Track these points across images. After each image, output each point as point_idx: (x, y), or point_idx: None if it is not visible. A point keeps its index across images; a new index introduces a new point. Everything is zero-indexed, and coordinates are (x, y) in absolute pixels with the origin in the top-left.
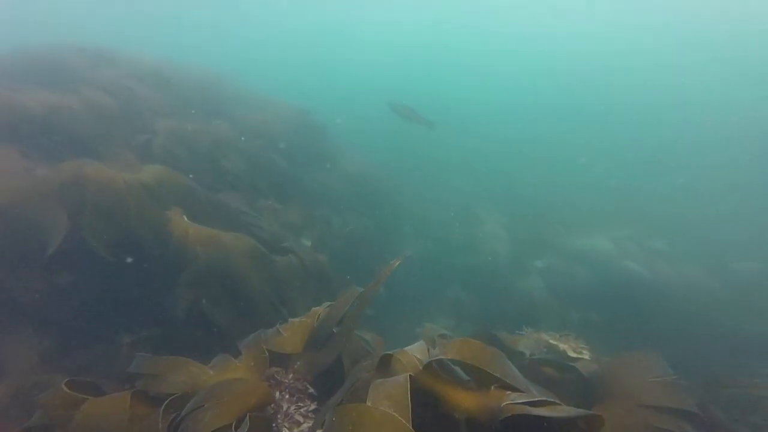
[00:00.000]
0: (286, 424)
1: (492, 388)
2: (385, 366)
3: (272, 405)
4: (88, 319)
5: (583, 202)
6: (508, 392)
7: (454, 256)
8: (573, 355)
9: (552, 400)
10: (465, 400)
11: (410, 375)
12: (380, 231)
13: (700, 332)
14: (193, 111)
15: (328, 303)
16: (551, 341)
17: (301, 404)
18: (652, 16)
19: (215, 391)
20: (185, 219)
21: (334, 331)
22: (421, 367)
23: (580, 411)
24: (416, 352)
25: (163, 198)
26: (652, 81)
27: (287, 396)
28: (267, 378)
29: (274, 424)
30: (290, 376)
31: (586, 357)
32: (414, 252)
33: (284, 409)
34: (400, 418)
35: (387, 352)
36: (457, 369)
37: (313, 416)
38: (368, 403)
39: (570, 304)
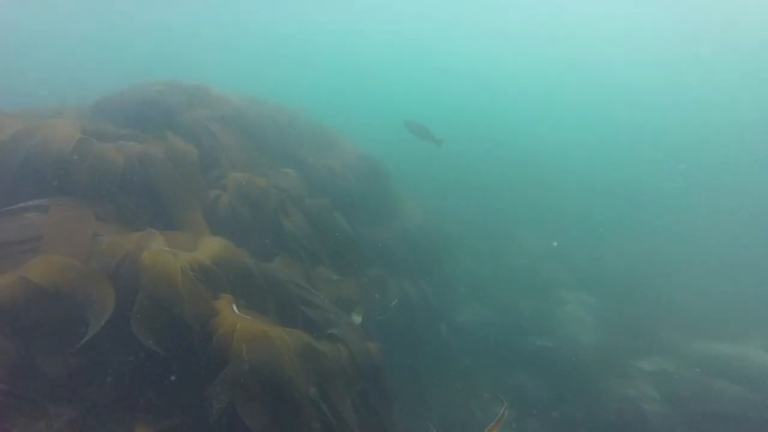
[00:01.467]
0: None
1: None
2: None
3: None
4: (115, 399)
5: (716, 286)
6: None
7: (520, 334)
8: None
9: None
10: None
11: None
12: (437, 297)
13: None
14: (265, 158)
15: None
16: None
17: None
18: None
19: None
20: (234, 309)
21: None
22: None
23: None
24: None
25: (217, 281)
26: None
27: None
28: None
29: None
30: None
31: None
32: (470, 319)
33: None
34: None
35: None
36: None
37: None
38: None
39: None
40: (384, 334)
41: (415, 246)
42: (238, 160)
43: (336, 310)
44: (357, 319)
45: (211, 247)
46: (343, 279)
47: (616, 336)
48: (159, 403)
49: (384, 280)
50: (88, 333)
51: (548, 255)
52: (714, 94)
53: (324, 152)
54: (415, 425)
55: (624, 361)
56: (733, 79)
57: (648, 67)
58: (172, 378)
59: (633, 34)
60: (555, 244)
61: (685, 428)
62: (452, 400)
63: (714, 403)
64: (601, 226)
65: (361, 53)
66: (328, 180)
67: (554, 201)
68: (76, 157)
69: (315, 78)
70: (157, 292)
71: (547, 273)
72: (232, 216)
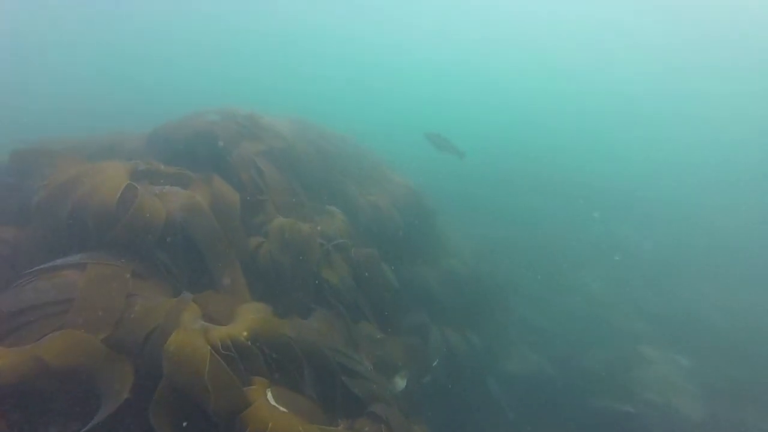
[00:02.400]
0: None
1: None
2: None
3: None
4: None
5: None
6: None
7: (585, 393)
8: None
9: None
10: None
11: None
12: (485, 345)
13: None
14: (311, 194)
15: None
16: None
17: None
18: None
19: None
20: (269, 399)
21: None
22: None
23: None
24: None
25: (252, 359)
26: None
27: None
28: None
29: None
30: None
31: None
32: (520, 369)
33: None
34: None
35: None
36: None
37: None
38: None
39: None
40: (427, 393)
41: (461, 289)
42: (283, 201)
43: (378, 378)
44: (400, 384)
45: (248, 318)
46: (386, 338)
47: (724, 406)
48: None
49: (427, 329)
50: (98, 414)
51: (618, 301)
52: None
53: (371, 184)
54: None
55: None
56: None
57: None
58: None
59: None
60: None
61: None
62: None
63: None
64: (689, 271)
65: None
66: (373, 220)
67: (622, 238)
68: (118, 210)
69: (355, 98)
70: (181, 382)
71: (618, 322)
72: (272, 267)
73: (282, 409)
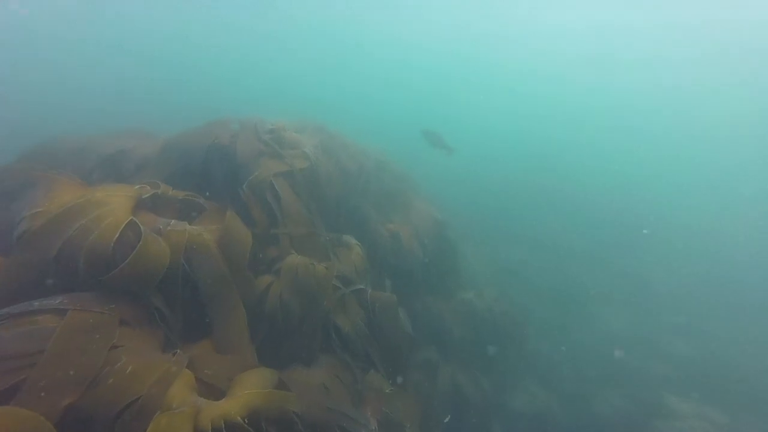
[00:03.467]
0: None
1: None
2: None
3: None
4: None
5: None
6: None
7: None
8: None
9: None
10: None
11: None
12: (494, 388)
13: None
14: (329, 219)
15: None
16: None
17: None
18: None
19: None
20: None
21: None
22: None
23: None
24: None
25: None
26: None
27: None
28: None
29: None
30: None
31: None
32: (526, 407)
33: None
34: None
35: None
36: None
37: None
38: None
39: None
40: None
41: (475, 324)
42: (299, 233)
43: None
44: None
45: (248, 391)
46: (394, 393)
47: None
48: None
49: (436, 368)
50: None
51: (638, 341)
52: None
53: (392, 209)
54: None
55: None
56: None
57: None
58: None
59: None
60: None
61: None
62: None
63: None
64: (719, 311)
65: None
66: (392, 252)
67: (647, 273)
68: (115, 252)
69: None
70: None
71: (638, 363)
72: (281, 310)
73: None
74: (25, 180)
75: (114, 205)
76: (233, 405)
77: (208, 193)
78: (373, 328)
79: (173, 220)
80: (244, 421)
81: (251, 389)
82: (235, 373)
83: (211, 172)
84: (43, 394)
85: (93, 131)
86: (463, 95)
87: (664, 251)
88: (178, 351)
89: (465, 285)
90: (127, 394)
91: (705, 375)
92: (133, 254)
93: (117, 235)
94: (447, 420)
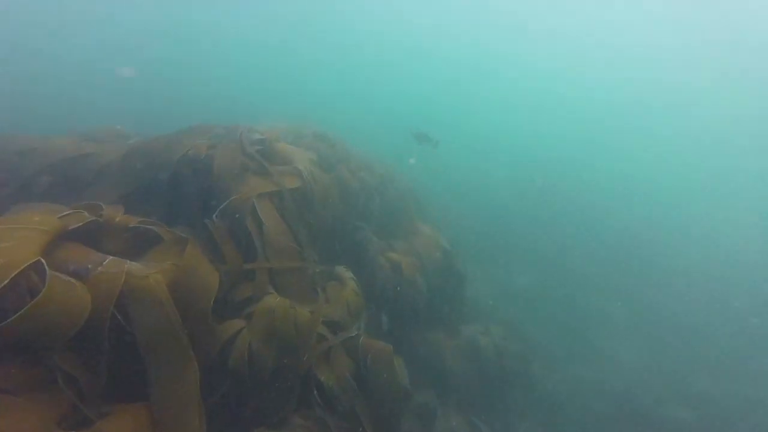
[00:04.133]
0: None
1: None
2: None
3: None
4: None
5: None
6: None
7: None
8: None
9: None
10: None
11: None
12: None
13: None
14: (320, 245)
15: None
16: None
17: None
18: None
19: None
20: None
21: None
22: None
23: None
24: None
25: None
26: None
27: None
28: None
29: None
30: None
31: None
32: None
33: None
34: None
35: None
36: None
37: None
38: None
39: None
40: None
41: (479, 364)
42: (283, 268)
43: None
44: None
45: None
46: None
47: None
48: None
49: (433, 414)
50: None
51: (651, 376)
52: None
53: (396, 233)
54: None
55: None
56: None
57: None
58: None
59: None
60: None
61: None
62: None
63: None
64: (740, 347)
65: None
66: (391, 284)
67: (660, 300)
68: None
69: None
70: None
71: (650, 401)
72: (249, 364)
73: None
74: None
75: (16, 240)
76: None
77: (177, 217)
78: (363, 382)
79: (110, 258)
80: None
81: None
82: None
83: (181, 189)
84: None
85: (64, 129)
86: (470, 98)
87: (679, 276)
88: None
89: (470, 317)
90: None
91: (727, 419)
92: (27, 307)
93: (5, 282)
94: None
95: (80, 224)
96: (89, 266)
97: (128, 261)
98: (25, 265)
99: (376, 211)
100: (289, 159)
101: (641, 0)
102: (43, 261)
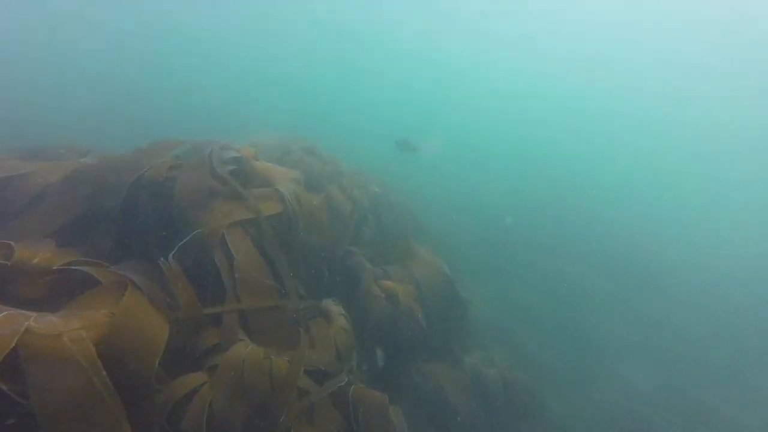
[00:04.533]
0: None
1: None
2: None
3: None
4: None
5: None
6: None
7: None
8: None
9: None
10: None
11: None
12: None
13: None
14: (304, 283)
15: None
16: None
17: None
18: None
19: None
20: None
21: None
22: None
23: None
24: None
25: None
26: None
27: None
28: None
29: None
30: None
31: None
32: None
33: None
34: None
35: None
36: None
37: None
38: None
39: None
40: None
41: (484, 397)
42: (256, 307)
43: None
44: None
45: None
46: None
47: None
48: None
49: None
50: None
51: (667, 401)
52: None
53: (391, 258)
54: None
55: None
56: None
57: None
58: None
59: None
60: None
61: None
62: None
63: None
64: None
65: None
66: (388, 318)
67: (673, 317)
68: None
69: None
70: None
71: (665, 423)
72: (210, 429)
73: None
74: None
75: None
76: None
77: (130, 252)
78: None
79: (4, 313)
80: None
81: None
82: None
83: (135, 219)
84: None
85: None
86: (467, 107)
87: (694, 290)
88: None
89: (472, 342)
90: None
91: None
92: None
93: None
94: None
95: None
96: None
97: (36, 314)
98: None
99: (370, 234)
100: (269, 180)
101: (640, 5)
102: None
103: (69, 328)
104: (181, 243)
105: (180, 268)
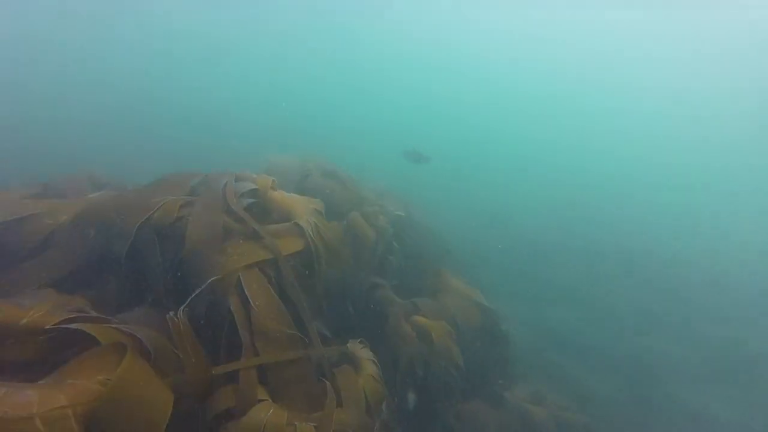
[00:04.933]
0: None
1: None
2: None
3: None
4: None
5: None
6: None
7: None
8: None
9: None
10: None
11: None
12: None
13: None
14: (326, 324)
15: None
16: None
17: None
18: None
19: None
20: None
21: None
22: None
23: None
24: None
25: None
26: None
27: None
28: None
29: None
30: None
31: None
32: None
33: None
34: None
35: None
36: None
37: None
38: None
39: None
40: None
41: None
42: (276, 363)
43: None
44: None
45: None
46: None
47: None
48: None
49: None
50: None
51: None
52: None
53: (420, 289)
54: None
55: None
56: None
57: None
58: None
59: None
60: None
61: None
62: None
63: None
64: None
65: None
66: (421, 359)
67: (738, 338)
68: None
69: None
70: None
71: None
72: None
73: None
74: None
75: None
76: None
77: (138, 300)
78: None
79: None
80: None
81: None
82: None
83: (142, 264)
84: None
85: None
86: (488, 115)
87: (747, 307)
88: None
89: (513, 375)
90: None
91: None
92: None
93: None
94: None
95: None
96: None
97: (6, 388)
98: None
99: (396, 262)
100: (288, 212)
101: (644, 3)
102: None
103: (47, 408)
104: (193, 296)
105: (189, 324)
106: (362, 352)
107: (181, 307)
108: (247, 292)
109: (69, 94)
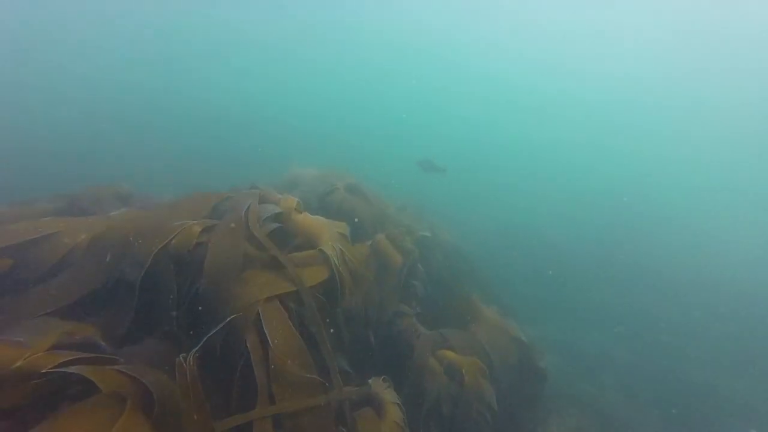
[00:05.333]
0: None
1: None
2: None
3: None
4: None
5: None
6: None
7: None
8: None
9: None
10: None
11: None
12: None
13: None
14: (347, 358)
15: None
16: None
17: None
18: None
19: None
20: None
21: None
22: None
23: None
24: None
25: None
26: None
27: None
28: None
29: None
30: None
31: None
32: None
33: None
34: None
35: None
36: None
37: None
38: None
39: None
40: None
41: None
42: (294, 414)
43: None
44: None
45: None
46: None
47: None
48: None
49: None
50: None
51: None
52: None
53: (447, 317)
54: None
55: None
56: None
57: None
58: None
59: None
60: None
61: None
62: None
63: None
64: None
65: None
66: (448, 399)
67: None
68: None
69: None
70: None
71: None
72: None
73: None
74: None
75: None
76: None
77: (152, 329)
78: None
79: None
80: None
81: None
82: None
83: (158, 293)
84: None
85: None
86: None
87: None
88: None
89: (548, 408)
90: None
91: None
92: None
93: None
94: None
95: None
96: None
97: None
98: None
99: (422, 288)
100: (312, 237)
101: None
102: None
103: None
104: (208, 336)
105: (199, 369)
106: (386, 393)
107: (193, 351)
108: (265, 328)
109: (101, 104)
